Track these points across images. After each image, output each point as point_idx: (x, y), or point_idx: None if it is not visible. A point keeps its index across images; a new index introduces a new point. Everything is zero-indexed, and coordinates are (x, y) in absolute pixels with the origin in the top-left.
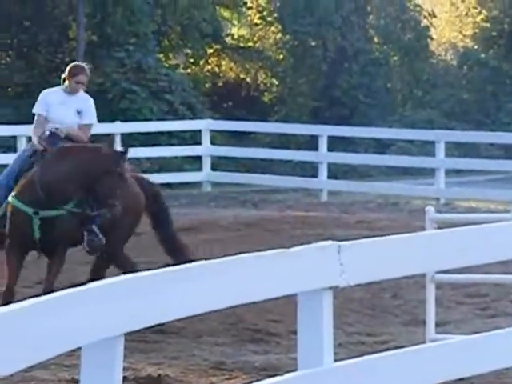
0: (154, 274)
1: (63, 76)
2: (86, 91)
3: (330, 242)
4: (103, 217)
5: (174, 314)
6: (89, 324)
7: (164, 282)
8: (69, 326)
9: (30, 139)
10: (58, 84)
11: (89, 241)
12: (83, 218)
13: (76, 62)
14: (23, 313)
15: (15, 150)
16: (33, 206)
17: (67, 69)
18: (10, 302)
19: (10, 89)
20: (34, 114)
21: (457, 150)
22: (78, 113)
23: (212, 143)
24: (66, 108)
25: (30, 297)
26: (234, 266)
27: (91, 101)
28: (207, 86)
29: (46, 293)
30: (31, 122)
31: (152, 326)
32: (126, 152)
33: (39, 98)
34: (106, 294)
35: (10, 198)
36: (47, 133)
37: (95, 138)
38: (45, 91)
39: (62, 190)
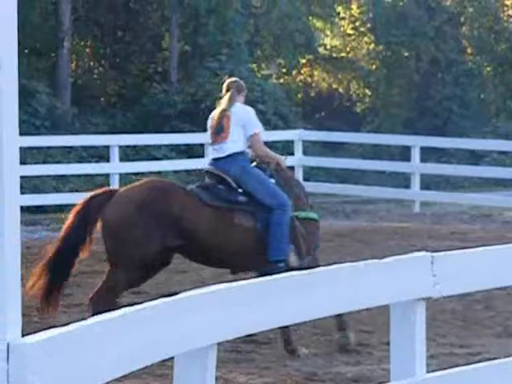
0: (246, 284)
1: (236, 91)
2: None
3: (423, 253)
4: None
5: (267, 324)
6: (183, 333)
7: (257, 292)
8: (163, 336)
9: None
10: (151, 94)
11: None
12: None
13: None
14: (119, 322)
15: (108, 160)
16: None
17: (242, 84)
18: None
19: (102, 98)
20: (254, 134)
21: None
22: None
23: (304, 153)
24: None
25: (124, 306)
26: (326, 277)
27: None
28: (300, 96)
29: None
30: (124, 132)
31: (244, 337)
32: None
33: (254, 115)
34: (199, 304)
35: (312, 215)
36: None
37: (188, 147)
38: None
39: None
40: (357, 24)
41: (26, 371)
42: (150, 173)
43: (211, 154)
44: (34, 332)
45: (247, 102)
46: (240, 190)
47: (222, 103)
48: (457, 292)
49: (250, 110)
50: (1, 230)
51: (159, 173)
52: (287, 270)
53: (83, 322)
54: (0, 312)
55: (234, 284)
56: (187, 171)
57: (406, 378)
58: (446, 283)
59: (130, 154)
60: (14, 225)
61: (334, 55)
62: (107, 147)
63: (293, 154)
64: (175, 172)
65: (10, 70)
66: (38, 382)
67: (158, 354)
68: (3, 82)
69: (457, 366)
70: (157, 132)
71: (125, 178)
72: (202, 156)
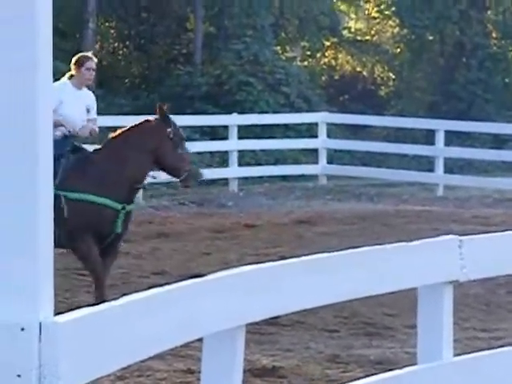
0: (273, 266)
1: (69, 73)
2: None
3: (451, 236)
4: None
5: (292, 306)
6: (211, 314)
7: (283, 274)
8: (191, 317)
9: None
10: (175, 75)
11: None
12: None
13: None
14: (148, 303)
15: None
16: None
17: (73, 62)
18: None
19: (127, 80)
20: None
21: None
22: (88, 110)
23: (328, 136)
24: (78, 105)
25: (149, 287)
26: (353, 259)
27: (93, 96)
28: (323, 79)
29: None
30: (147, 113)
31: (267, 318)
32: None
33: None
34: (229, 285)
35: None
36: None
37: (212, 129)
38: (55, 84)
39: None
40: (381, 7)
41: (58, 350)
42: None
43: None
44: (60, 312)
45: (271, 84)
46: None
47: None
48: (484, 276)
49: None
50: (34, 220)
51: None
52: None
53: (112, 302)
54: (33, 291)
55: (261, 266)
56: (211, 153)
57: (433, 361)
58: (473, 267)
59: None
60: (48, 219)
61: (359, 38)
62: None
63: (317, 136)
64: (198, 153)
65: (46, 67)
66: (68, 362)
67: (188, 335)
68: (40, 81)
69: (480, 350)
70: (180, 113)
71: None
72: (226, 138)
